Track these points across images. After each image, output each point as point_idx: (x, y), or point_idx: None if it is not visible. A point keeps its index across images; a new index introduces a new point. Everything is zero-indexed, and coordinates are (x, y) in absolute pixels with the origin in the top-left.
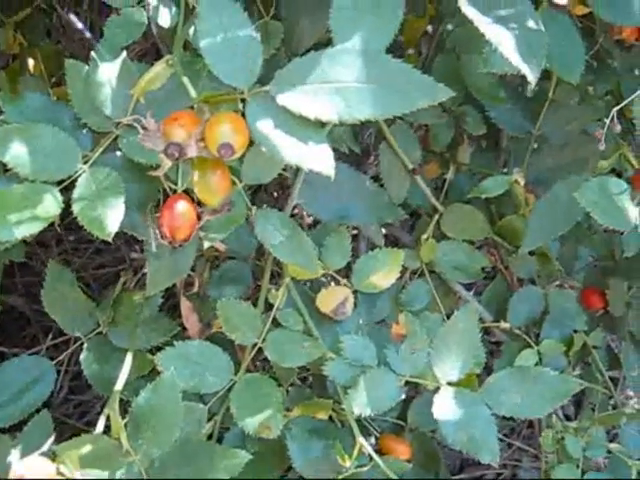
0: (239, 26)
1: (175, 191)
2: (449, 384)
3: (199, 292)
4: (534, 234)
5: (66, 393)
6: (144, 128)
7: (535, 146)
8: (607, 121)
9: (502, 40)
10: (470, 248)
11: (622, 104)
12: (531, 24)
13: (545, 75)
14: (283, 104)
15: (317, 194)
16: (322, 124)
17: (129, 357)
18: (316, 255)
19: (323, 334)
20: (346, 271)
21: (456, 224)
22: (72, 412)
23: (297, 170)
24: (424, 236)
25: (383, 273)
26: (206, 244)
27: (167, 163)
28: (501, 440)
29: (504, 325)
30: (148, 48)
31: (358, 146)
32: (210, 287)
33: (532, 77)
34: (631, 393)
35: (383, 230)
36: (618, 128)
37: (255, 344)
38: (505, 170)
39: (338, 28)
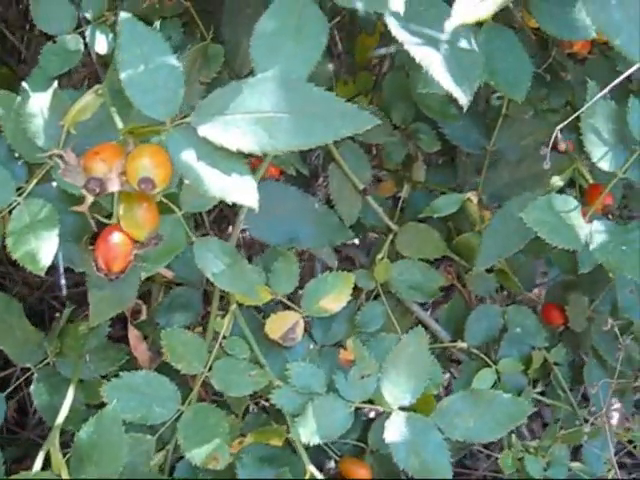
0: (160, 56)
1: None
2: (402, 408)
3: (148, 320)
4: (488, 252)
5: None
6: (65, 162)
7: (492, 161)
8: (559, 133)
9: (432, 63)
10: (426, 267)
11: (564, 123)
12: (463, 44)
13: None
14: (204, 135)
15: (264, 218)
16: (246, 155)
17: (71, 389)
18: (262, 281)
19: (272, 361)
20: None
21: (411, 243)
22: (47, 434)
23: None
24: (379, 256)
25: (333, 296)
26: (143, 275)
27: (90, 198)
28: (480, 452)
29: (461, 345)
30: (91, 74)
31: (306, 168)
32: (159, 314)
33: (464, 100)
34: (594, 409)
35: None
36: (562, 146)
37: (202, 373)
38: (463, 186)
39: (259, 56)
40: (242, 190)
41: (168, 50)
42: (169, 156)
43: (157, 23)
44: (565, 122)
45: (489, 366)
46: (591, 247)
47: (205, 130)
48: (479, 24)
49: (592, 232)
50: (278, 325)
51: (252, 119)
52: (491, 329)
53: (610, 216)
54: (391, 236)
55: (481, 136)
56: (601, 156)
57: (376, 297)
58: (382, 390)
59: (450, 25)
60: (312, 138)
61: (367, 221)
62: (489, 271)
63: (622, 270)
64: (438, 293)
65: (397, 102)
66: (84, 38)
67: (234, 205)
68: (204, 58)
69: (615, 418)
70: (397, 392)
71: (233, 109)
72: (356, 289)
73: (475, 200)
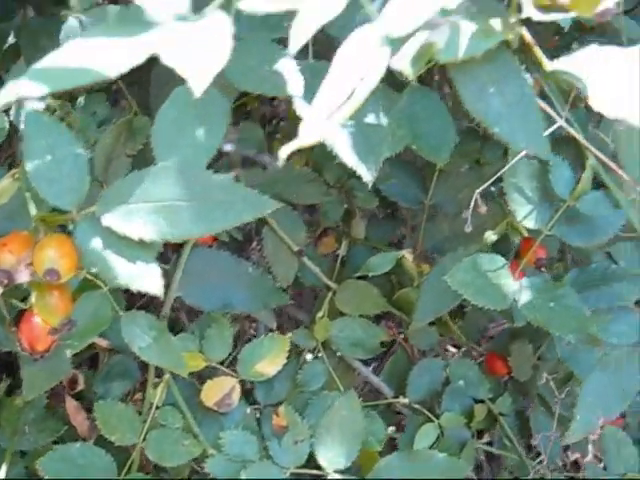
0: (66, 147)
1: None
2: (338, 471)
3: (84, 389)
4: (425, 308)
5: None
6: None
7: (430, 214)
8: (478, 197)
9: (337, 140)
10: (367, 323)
11: (484, 185)
12: (370, 119)
13: None
14: (108, 225)
15: (198, 284)
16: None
17: (5, 463)
18: (196, 348)
19: (208, 427)
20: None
21: (351, 300)
22: None
23: (176, 261)
24: (319, 314)
25: (269, 360)
26: (68, 352)
27: None
28: None
29: (403, 401)
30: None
31: (240, 232)
32: (97, 383)
33: (368, 177)
34: (543, 457)
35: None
36: (484, 209)
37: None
38: (403, 239)
39: (160, 144)
40: (147, 278)
41: (73, 140)
42: (76, 245)
43: (81, 98)
44: (485, 185)
45: (432, 421)
46: (519, 305)
47: (108, 220)
48: (401, 87)
49: (520, 289)
50: (214, 391)
51: (153, 208)
52: (434, 383)
53: (543, 269)
54: (330, 294)
55: (419, 190)
56: (526, 214)
57: (318, 355)
58: (316, 455)
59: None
60: (213, 225)
61: (306, 280)
62: (432, 323)
63: (550, 327)
64: (380, 349)
65: (329, 162)
66: (9, 116)
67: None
68: (129, 131)
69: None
70: (331, 456)
71: (135, 198)
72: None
73: (410, 257)
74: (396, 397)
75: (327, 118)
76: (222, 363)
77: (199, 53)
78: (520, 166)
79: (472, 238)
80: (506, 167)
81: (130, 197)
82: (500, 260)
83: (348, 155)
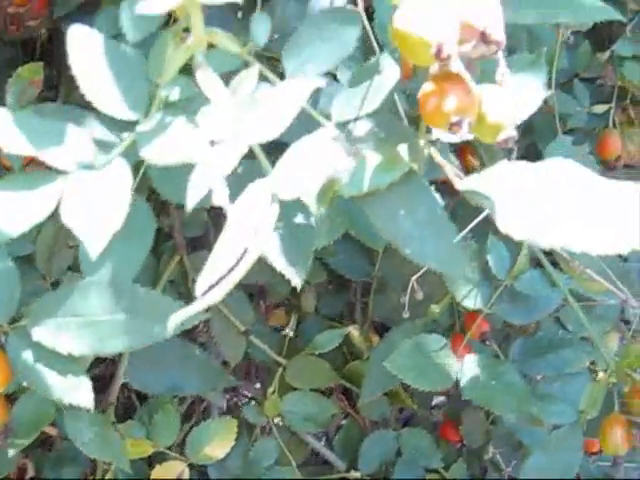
0: None
1: None
2: None
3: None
4: (373, 383)
5: None
6: None
7: (379, 286)
8: (415, 283)
9: (266, 244)
10: (318, 397)
11: (421, 272)
12: (299, 219)
13: None
14: (37, 339)
15: (145, 369)
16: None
17: None
18: (142, 434)
19: None
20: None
21: (301, 375)
22: None
23: None
24: (270, 390)
25: (217, 442)
26: (11, 452)
27: None
28: None
29: (354, 475)
30: None
31: None
32: (47, 469)
33: (297, 281)
34: None
35: None
36: (420, 294)
37: None
38: (354, 311)
39: (85, 257)
40: (78, 391)
41: (4, 255)
42: (7, 358)
43: None
44: (424, 269)
45: None
46: (461, 384)
47: (38, 333)
48: None
49: (462, 368)
50: (163, 476)
51: (82, 322)
52: (386, 454)
53: (487, 342)
54: (281, 369)
55: (366, 264)
56: (465, 294)
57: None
58: None
59: None
60: (143, 339)
61: (256, 356)
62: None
63: (492, 407)
64: (331, 422)
65: None
66: None
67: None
68: None
69: None
70: None
71: (64, 312)
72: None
73: (357, 333)
74: (349, 469)
75: (219, 279)
76: (170, 447)
77: (97, 213)
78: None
79: (420, 308)
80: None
81: (59, 311)
82: (441, 340)
83: (277, 259)
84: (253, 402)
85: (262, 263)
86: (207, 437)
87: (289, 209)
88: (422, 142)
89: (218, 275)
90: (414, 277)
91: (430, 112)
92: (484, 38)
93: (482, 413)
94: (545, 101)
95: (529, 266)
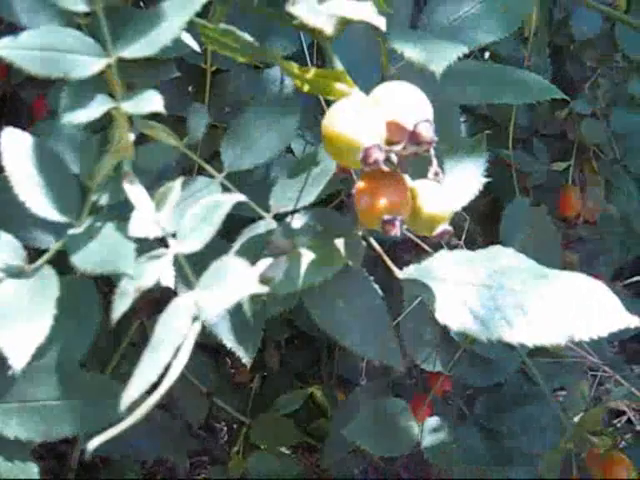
0: None
1: None
2: None
3: None
4: (335, 443)
5: None
6: None
7: None
8: None
9: (216, 322)
10: (283, 455)
11: None
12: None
13: None
14: None
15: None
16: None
17: None
18: None
19: None
20: None
21: (266, 434)
22: None
23: None
24: (234, 449)
25: None
26: None
27: None
28: None
29: None
30: None
31: None
32: None
33: (247, 359)
34: None
35: None
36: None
37: None
38: (321, 365)
39: None
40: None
41: None
42: None
43: None
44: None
45: None
46: (422, 447)
47: None
48: None
49: (424, 431)
50: None
51: (29, 408)
52: None
53: (450, 402)
54: (245, 428)
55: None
56: (425, 357)
57: None
58: None
59: None
60: (89, 424)
61: (220, 415)
62: (352, 451)
63: (452, 470)
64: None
65: None
66: None
67: None
68: None
69: None
70: None
71: (11, 397)
72: None
73: (319, 393)
74: None
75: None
76: None
77: (21, 326)
78: (416, 311)
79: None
80: (403, 315)
81: (5, 396)
82: (400, 403)
83: (226, 337)
84: (219, 461)
85: None
86: None
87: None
88: (360, 233)
89: (142, 389)
90: None
91: (363, 211)
92: (414, 138)
93: None
94: (505, 160)
95: None
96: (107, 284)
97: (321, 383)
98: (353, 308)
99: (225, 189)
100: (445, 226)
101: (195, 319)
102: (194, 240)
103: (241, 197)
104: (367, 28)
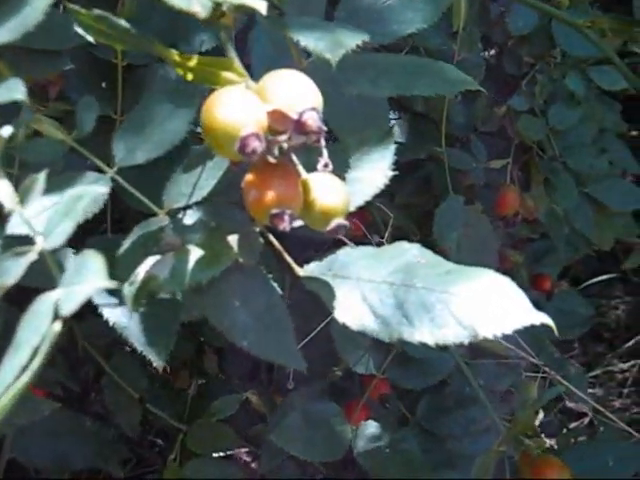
0: None
1: None
2: None
3: None
4: (272, 449)
5: None
6: None
7: None
8: None
9: (126, 324)
10: (221, 462)
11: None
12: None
13: None
14: None
15: (33, 442)
16: None
17: None
18: None
19: None
20: None
21: (203, 440)
22: None
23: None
24: (171, 457)
25: None
26: None
27: None
28: None
29: None
30: None
31: (77, 384)
32: None
33: (159, 363)
34: None
35: None
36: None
37: None
38: (258, 371)
39: None
40: None
41: None
42: None
43: None
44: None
45: None
46: (355, 452)
47: None
48: None
49: (357, 436)
50: None
51: None
52: None
53: (387, 405)
54: (182, 435)
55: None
56: (357, 360)
57: None
58: None
59: None
60: None
61: (156, 422)
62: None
63: (385, 475)
64: None
65: None
66: None
67: None
68: None
69: None
70: None
71: None
72: None
73: (255, 398)
74: None
75: None
76: None
77: None
78: None
79: (325, 370)
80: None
81: None
82: (333, 407)
83: (137, 338)
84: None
85: None
86: None
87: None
88: (257, 229)
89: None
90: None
91: (250, 203)
92: (300, 127)
93: None
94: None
95: None
96: None
97: (261, 388)
98: (250, 308)
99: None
100: (340, 220)
101: (55, 318)
102: (57, 235)
103: (104, 189)
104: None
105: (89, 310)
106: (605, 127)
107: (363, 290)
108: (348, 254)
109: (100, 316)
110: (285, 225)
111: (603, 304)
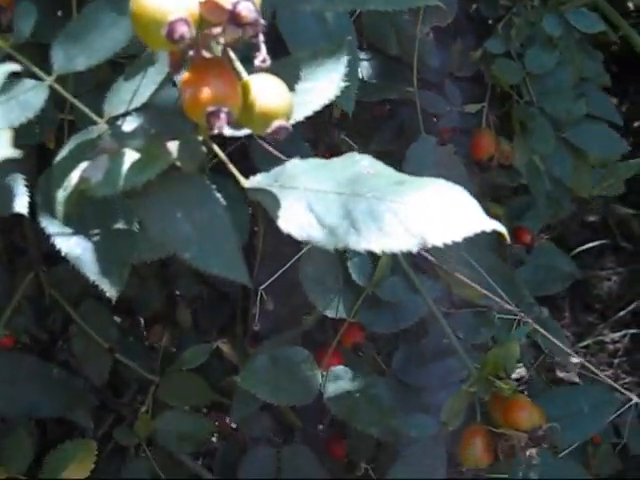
0: None
1: None
2: None
3: None
4: (243, 398)
5: None
6: None
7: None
8: None
9: (80, 254)
10: (193, 415)
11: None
12: (121, 224)
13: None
14: None
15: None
16: None
17: None
18: None
19: None
20: None
21: (176, 392)
22: None
23: None
24: (143, 409)
25: (75, 465)
26: None
27: None
28: None
29: None
30: None
31: (45, 333)
32: None
33: (112, 292)
34: None
35: None
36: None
37: None
38: (234, 324)
39: None
40: None
41: None
42: None
43: None
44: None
45: None
46: (325, 396)
47: None
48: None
49: (326, 381)
50: None
51: None
52: (265, 473)
53: (361, 353)
54: (154, 386)
55: (243, 274)
56: (326, 304)
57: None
58: None
59: None
60: None
61: (127, 374)
62: (264, 407)
63: (352, 421)
64: (209, 441)
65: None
66: None
67: None
68: None
69: None
70: None
71: None
72: None
73: (226, 347)
74: None
75: None
76: (28, 474)
77: None
78: (317, 255)
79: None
80: (300, 254)
81: None
82: (302, 352)
83: (89, 267)
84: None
85: (131, 275)
86: (64, 460)
87: (108, 213)
88: (200, 138)
89: None
90: (262, 287)
91: (186, 102)
92: (234, 19)
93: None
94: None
95: (390, 273)
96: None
97: (235, 341)
98: (193, 219)
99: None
100: (281, 122)
101: None
102: None
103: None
104: None
105: (57, 258)
106: (586, 77)
107: (310, 200)
108: (296, 165)
109: (68, 263)
110: (221, 124)
111: (595, 275)
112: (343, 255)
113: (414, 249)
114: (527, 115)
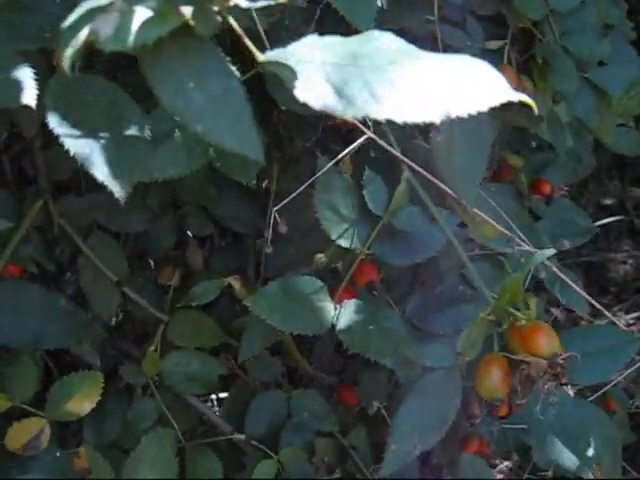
0: None
1: None
2: None
3: None
4: (252, 336)
5: None
6: None
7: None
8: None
9: (88, 155)
10: (203, 356)
11: (282, 203)
12: (132, 131)
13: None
14: None
15: (5, 320)
16: None
17: None
18: None
19: (12, 473)
20: None
21: (185, 332)
22: None
23: None
24: (151, 348)
25: (79, 398)
26: None
27: None
28: None
29: (237, 436)
30: None
31: (52, 263)
32: None
33: (120, 193)
34: None
35: None
36: (284, 229)
37: None
38: (247, 267)
39: None
40: None
41: None
42: None
43: None
44: (284, 201)
45: (271, 457)
46: (337, 328)
47: None
48: None
49: (340, 312)
50: (20, 434)
51: None
52: (275, 417)
53: (375, 293)
54: (163, 326)
55: (255, 215)
56: (340, 233)
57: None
58: None
59: None
60: None
61: (136, 312)
62: (274, 353)
63: (366, 352)
64: (218, 383)
65: (151, 187)
66: None
67: None
68: None
69: None
70: None
71: None
72: None
73: (237, 284)
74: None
75: None
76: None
77: None
78: (332, 181)
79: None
80: (312, 178)
81: None
82: (317, 283)
83: (99, 168)
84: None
85: (140, 211)
86: (68, 392)
87: (117, 120)
88: (216, 8)
89: None
90: (275, 208)
91: None
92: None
93: (382, 375)
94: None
95: (408, 202)
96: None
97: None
98: (206, 90)
99: None
100: None
101: None
102: None
103: None
104: None
105: (67, 188)
106: (609, 23)
107: (327, 71)
108: (314, 41)
109: (79, 195)
110: None
111: (611, 258)
112: (359, 181)
113: (437, 120)
114: (550, 53)
